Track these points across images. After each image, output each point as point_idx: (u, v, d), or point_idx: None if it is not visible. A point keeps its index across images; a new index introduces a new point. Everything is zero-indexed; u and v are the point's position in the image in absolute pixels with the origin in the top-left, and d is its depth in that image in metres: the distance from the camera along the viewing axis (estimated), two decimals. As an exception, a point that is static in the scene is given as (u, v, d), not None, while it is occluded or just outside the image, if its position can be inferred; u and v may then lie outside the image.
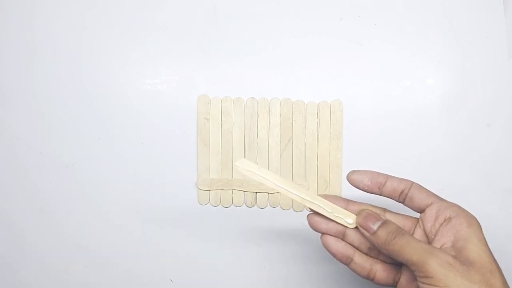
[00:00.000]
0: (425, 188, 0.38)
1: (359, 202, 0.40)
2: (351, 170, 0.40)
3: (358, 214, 0.38)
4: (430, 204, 0.37)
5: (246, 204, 0.52)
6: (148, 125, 0.53)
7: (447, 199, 0.38)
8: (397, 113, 0.53)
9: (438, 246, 0.35)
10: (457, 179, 0.52)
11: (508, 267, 0.52)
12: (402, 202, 0.39)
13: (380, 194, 0.39)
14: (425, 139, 0.53)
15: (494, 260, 0.34)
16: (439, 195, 0.38)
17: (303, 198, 0.39)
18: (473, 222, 0.35)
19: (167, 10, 0.55)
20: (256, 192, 0.52)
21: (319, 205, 0.39)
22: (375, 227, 0.36)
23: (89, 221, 0.53)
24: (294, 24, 0.54)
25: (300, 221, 0.52)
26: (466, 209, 0.36)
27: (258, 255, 0.52)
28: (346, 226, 0.39)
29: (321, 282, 0.52)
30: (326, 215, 0.39)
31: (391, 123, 0.53)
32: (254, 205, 0.52)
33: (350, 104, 0.53)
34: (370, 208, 0.39)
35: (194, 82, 0.54)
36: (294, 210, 0.52)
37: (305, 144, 0.52)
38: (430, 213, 0.37)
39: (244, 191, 0.52)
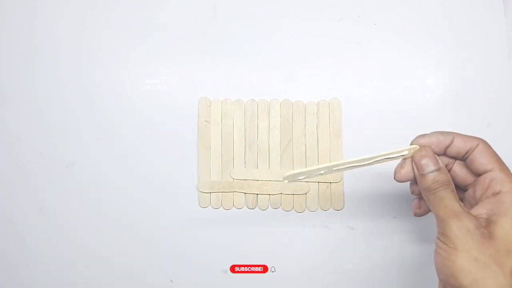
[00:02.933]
0: (490, 151, 0.37)
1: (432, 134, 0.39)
2: (419, 135, 0.39)
3: (419, 149, 0.38)
4: (489, 171, 0.36)
5: (247, 206, 0.52)
6: (148, 125, 0.53)
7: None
8: (397, 113, 0.53)
9: (474, 214, 0.35)
10: (457, 179, 0.52)
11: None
12: (465, 161, 0.38)
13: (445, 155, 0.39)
14: (425, 139, 0.52)
15: None
16: (503, 162, 0.37)
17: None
18: None
19: (167, 10, 0.55)
20: (257, 194, 0.52)
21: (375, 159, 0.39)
22: (426, 170, 0.36)
23: (89, 221, 0.53)
24: (294, 24, 0.54)
25: (302, 222, 0.52)
26: None
27: (259, 256, 0.52)
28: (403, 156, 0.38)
29: (322, 282, 0.52)
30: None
31: (391, 123, 0.53)
32: (255, 207, 0.52)
33: (351, 104, 0.53)
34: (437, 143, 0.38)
35: (194, 82, 0.54)
36: (296, 211, 0.52)
37: (305, 144, 0.52)
38: (483, 180, 0.36)
39: (245, 193, 0.52)
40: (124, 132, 0.53)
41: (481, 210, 0.35)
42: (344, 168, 0.39)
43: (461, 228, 0.33)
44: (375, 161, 0.39)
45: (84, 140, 0.53)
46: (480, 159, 0.37)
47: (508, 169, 0.36)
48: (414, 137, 0.52)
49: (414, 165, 0.37)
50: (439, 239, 0.35)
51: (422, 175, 0.36)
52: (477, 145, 0.37)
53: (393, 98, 0.53)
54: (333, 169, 0.39)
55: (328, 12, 0.54)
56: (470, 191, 0.38)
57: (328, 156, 0.52)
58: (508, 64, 0.53)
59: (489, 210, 0.35)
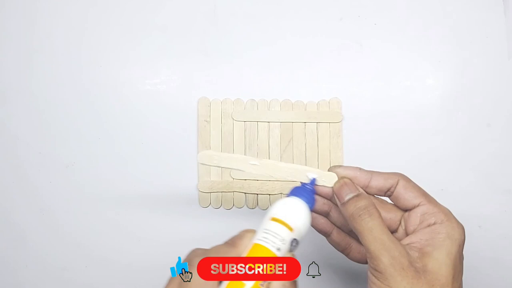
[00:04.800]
0: (412, 185, 0.36)
1: (384, 173, 0.37)
2: (334, 164, 0.38)
3: (338, 180, 0.36)
4: (417, 206, 0.35)
5: (247, 206, 0.52)
6: (148, 125, 0.53)
7: (436, 199, 0.35)
8: (397, 113, 0.53)
9: (407, 242, 0.34)
10: (457, 179, 0.52)
11: (508, 267, 0.52)
12: (389, 197, 0.37)
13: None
14: (425, 139, 0.53)
15: (455, 278, 0.32)
16: (428, 194, 0.36)
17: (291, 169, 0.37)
18: (454, 235, 0.33)
19: (167, 10, 0.55)
20: (257, 194, 0.52)
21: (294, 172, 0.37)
22: (346, 197, 0.35)
23: (89, 221, 0.53)
24: (294, 24, 0.54)
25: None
26: (456, 216, 0.35)
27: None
28: (325, 186, 0.37)
29: (321, 282, 0.52)
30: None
31: (391, 123, 0.53)
32: (255, 207, 0.52)
33: (351, 104, 0.53)
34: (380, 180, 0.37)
35: (194, 82, 0.54)
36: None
37: (305, 144, 0.52)
38: (414, 215, 0.35)
39: (245, 193, 0.52)
40: (124, 132, 0.53)
41: (415, 238, 0.34)
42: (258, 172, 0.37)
43: (394, 265, 0.32)
44: (289, 177, 0.37)
45: (84, 140, 0.53)
46: (406, 195, 0.35)
47: (435, 200, 0.35)
48: (414, 138, 0.52)
49: (335, 197, 0.36)
50: (372, 274, 0.33)
51: (343, 204, 0.35)
52: (397, 182, 0.36)
53: (393, 98, 0.53)
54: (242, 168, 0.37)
55: (328, 12, 0.54)
56: (400, 226, 0.37)
57: (328, 156, 0.52)
58: (508, 64, 0.53)
59: (423, 240, 0.34)
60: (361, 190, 0.36)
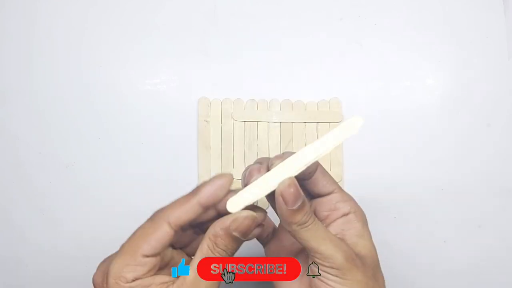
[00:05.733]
0: (328, 173, 0.35)
1: None
2: (275, 156, 0.35)
3: (286, 179, 0.32)
4: (331, 193, 0.35)
5: (246, 205, 0.52)
6: (148, 125, 0.53)
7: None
8: (397, 113, 0.53)
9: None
10: (457, 179, 0.52)
11: (508, 267, 0.52)
12: (304, 181, 0.35)
13: None
14: (425, 139, 0.53)
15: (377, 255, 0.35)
16: (338, 183, 0.36)
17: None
18: (365, 220, 0.35)
19: (167, 10, 0.55)
20: (257, 193, 0.52)
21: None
22: (297, 204, 0.31)
23: (89, 221, 0.53)
24: (294, 24, 0.54)
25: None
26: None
27: (260, 256, 0.52)
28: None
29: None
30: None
31: (391, 123, 0.53)
32: (255, 206, 0.52)
33: (351, 104, 0.53)
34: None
35: (194, 82, 0.54)
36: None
37: (305, 144, 0.52)
38: (328, 202, 0.35)
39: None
40: (124, 132, 0.53)
41: (335, 230, 0.34)
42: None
43: (348, 259, 0.32)
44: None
45: (84, 140, 0.53)
46: (324, 181, 0.35)
47: (341, 188, 0.36)
48: (414, 138, 0.52)
49: (280, 199, 0.32)
50: (328, 273, 0.33)
51: (293, 211, 0.31)
52: (317, 167, 0.35)
53: (393, 98, 0.53)
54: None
55: (328, 12, 0.54)
56: None
57: (328, 156, 0.52)
58: (508, 64, 0.53)
59: (345, 229, 0.34)
60: (302, 192, 0.32)
